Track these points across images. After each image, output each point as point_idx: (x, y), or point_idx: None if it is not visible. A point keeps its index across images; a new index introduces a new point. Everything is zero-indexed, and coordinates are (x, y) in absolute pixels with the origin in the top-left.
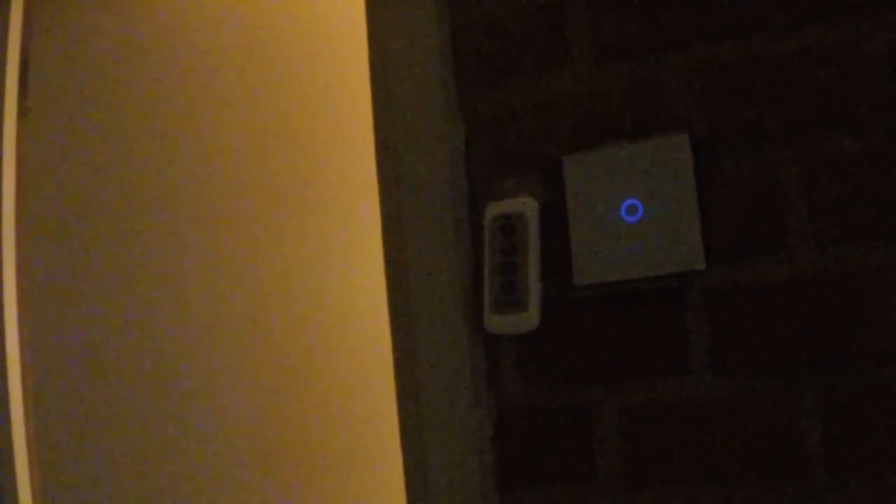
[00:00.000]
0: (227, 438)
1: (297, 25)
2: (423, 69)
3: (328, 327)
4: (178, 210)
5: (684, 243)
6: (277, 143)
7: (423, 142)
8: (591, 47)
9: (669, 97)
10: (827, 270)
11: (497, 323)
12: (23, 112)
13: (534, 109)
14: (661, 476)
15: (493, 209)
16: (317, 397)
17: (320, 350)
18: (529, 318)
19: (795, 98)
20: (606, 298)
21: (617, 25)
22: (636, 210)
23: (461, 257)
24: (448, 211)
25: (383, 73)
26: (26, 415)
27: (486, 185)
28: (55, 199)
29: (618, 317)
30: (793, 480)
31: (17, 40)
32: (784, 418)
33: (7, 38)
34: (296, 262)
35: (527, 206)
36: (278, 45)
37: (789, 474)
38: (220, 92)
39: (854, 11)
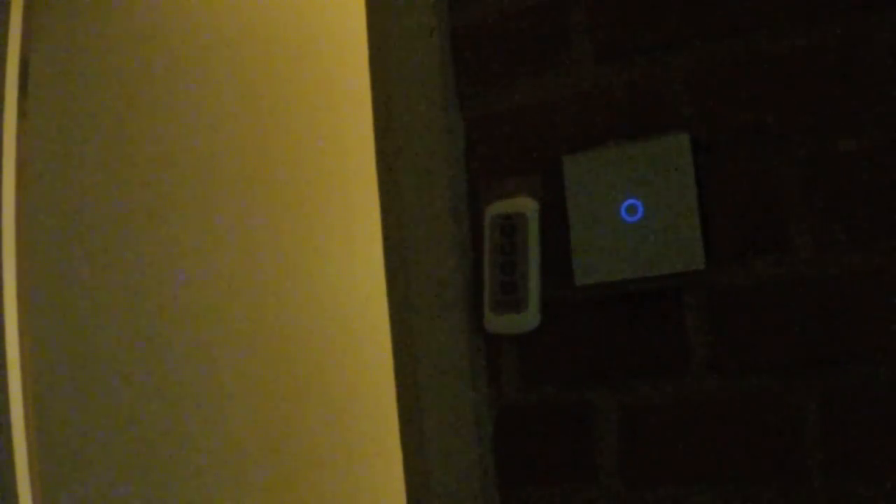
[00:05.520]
0: (228, 437)
1: (297, 25)
2: (424, 69)
3: (328, 327)
4: (178, 210)
5: (684, 243)
6: (278, 143)
7: (423, 142)
8: (591, 47)
9: (669, 97)
10: (827, 270)
11: (497, 323)
12: (23, 112)
13: (534, 109)
14: (661, 476)
15: (493, 209)
16: (317, 397)
17: (320, 350)
18: (529, 318)
19: (795, 98)
20: (606, 298)
21: (617, 25)
22: (636, 210)
23: (461, 258)
24: (448, 211)
25: (383, 72)
26: (26, 415)
27: (486, 185)
28: (55, 199)
29: (618, 317)
30: (793, 480)
31: (17, 40)
32: (784, 418)
33: (7, 38)
34: (296, 262)
35: (527, 206)
36: (279, 45)
37: (789, 474)
38: (221, 92)
39: (854, 11)
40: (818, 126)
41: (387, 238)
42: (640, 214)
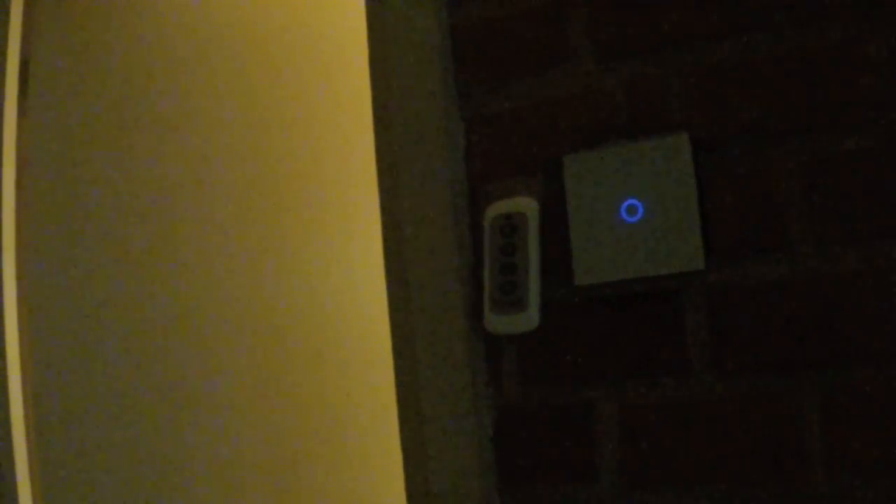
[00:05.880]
0: (228, 438)
1: (297, 26)
2: (423, 69)
3: (328, 328)
4: (178, 210)
5: (684, 243)
6: (278, 143)
7: (423, 142)
8: (591, 47)
9: (669, 97)
10: (827, 270)
11: (497, 323)
12: (23, 112)
13: (534, 109)
14: (662, 476)
15: (493, 209)
16: (317, 397)
17: (320, 350)
18: (529, 318)
19: (795, 98)
20: (606, 298)
21: (617, 25)
22: (636, 210)
23: (461, 257)
24: (448, 211)
25: (383, 72)
26: (26, 415)
27: (486, 185)
28: (55, 200)
29: (618, 317)
30: (793, 480)
31: (17, 40)
32: (784, 418)
33: (7, 38)
34: (296, 263)
35: (527, 206)
36: (279, 45)
37: (789, 474)
38: (221, 92)
39: (854, 11)
40: (818, 126)
41: (387, 238)
42: (640, 214)
